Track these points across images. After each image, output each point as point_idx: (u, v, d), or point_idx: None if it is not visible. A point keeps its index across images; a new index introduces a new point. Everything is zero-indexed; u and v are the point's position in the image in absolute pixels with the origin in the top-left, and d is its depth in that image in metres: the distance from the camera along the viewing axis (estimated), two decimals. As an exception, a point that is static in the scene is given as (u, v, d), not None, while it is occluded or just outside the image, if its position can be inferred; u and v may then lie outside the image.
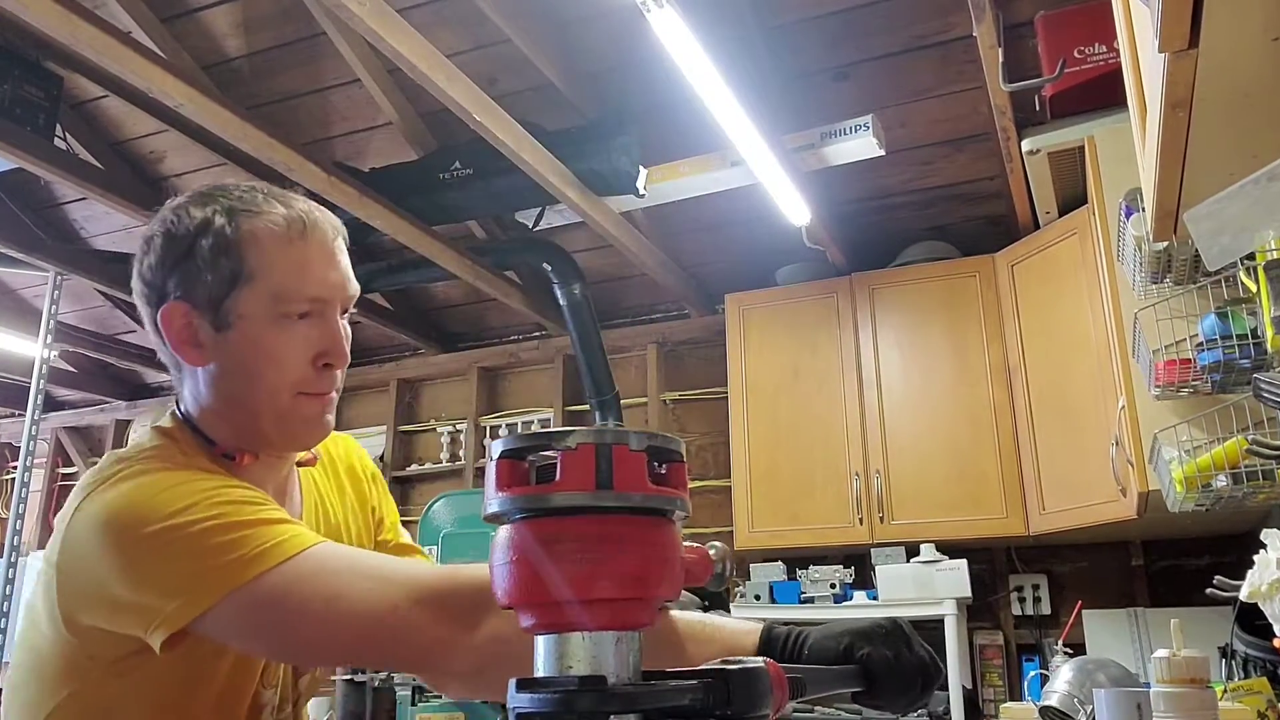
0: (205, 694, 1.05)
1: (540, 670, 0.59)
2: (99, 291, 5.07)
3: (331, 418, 1.14)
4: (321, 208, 1.15)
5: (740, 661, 0.64)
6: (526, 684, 0.57)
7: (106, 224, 4.90)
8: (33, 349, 4.73)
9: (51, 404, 6.10)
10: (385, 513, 1.37)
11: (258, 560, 0.94)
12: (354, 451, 1.37)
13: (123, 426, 6.04)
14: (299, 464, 1.22)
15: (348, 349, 1.13)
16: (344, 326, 1.13)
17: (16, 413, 5.74)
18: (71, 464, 6.27)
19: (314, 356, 1.09)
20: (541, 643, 0.60)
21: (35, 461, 4.84)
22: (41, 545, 6.00)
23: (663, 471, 0.62)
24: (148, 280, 1.11)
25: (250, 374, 1.08)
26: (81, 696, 1.03)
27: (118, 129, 4.37)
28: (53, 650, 1.03)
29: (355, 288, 1.15)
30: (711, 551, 0.71)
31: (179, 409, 1.17)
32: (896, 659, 0.91)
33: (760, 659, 0.65)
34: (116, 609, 0.97)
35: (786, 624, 0.99)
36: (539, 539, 0.59)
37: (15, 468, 4.66)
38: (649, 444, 0.60)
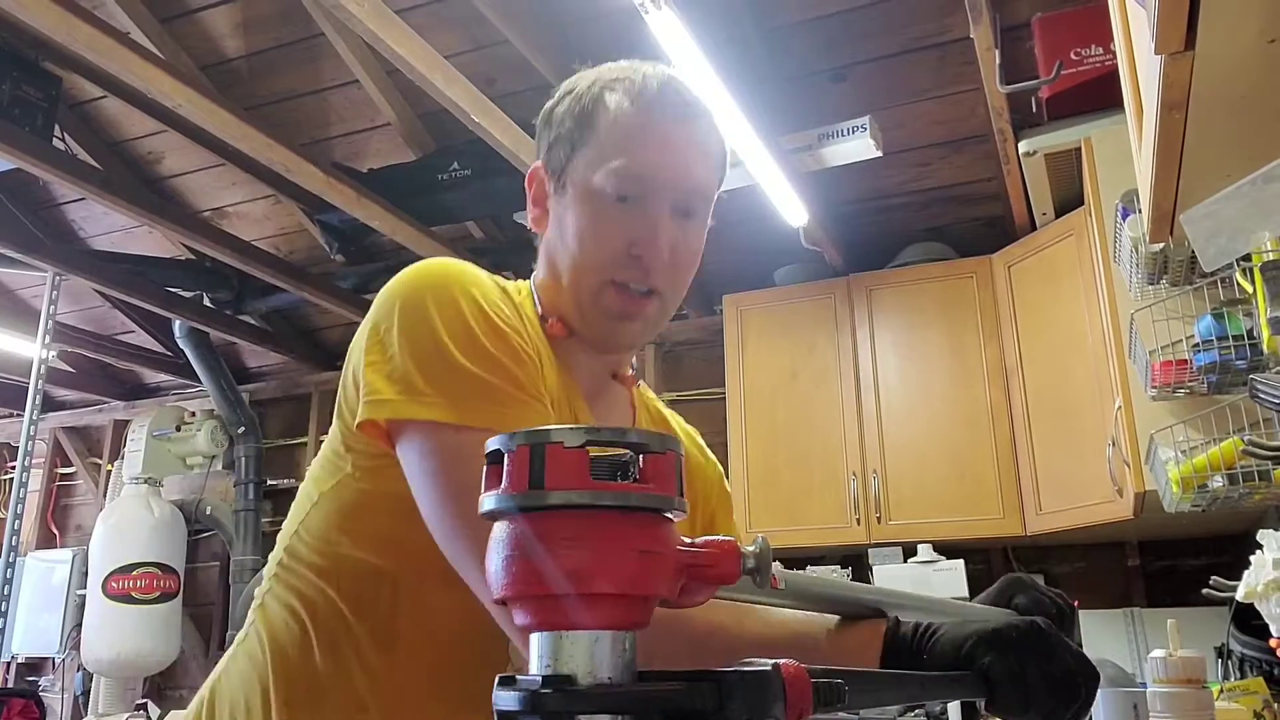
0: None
1: (532, 668, 0.60)
2: (97, 292, 5.07)
3: (641, 326, 1.07)
4: (696, 94, 1.07)
5: (749, 663, 0.63)
6: (506, 681, 0.58)
7: (105, 224, 4.90)
8: (31, 349, 4.73)
9: (50, 404, 6.09)
10: (719, 516, 1.27)
11: (465, 413, 0.89)
12: (698, 438, 1.30)
13: (121, 426, 6.04)
14: (616, 376, 1.15)
15: (678, 254, 1.04)
16: (684, 229, 1.04)
17: (15, 413, 5.74)
18: (70, 464, 6.26)
19: (628, 244, 1.02)
20: (536, 640, 0.60)
21: (33, 461, 4.83)
22: (40, 545, 6.00)
23: (641, 467, 0.61)
24: (535, 144, 1.13)
25: (567, 244, 1.05)
26: (337, 493, 1.03)
27: (116, 129, 4.37)
28: (330, 442, 1.04)
29: (697, 182, 1.05)
30: (751, 547, 0.65)
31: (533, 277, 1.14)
32: (1024, 671, 0.77)
33: (768, 661, 0.64)
34: (355, 374, 0.96)
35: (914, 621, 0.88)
36: (504, 538, 0.59)
37: (14, 468, 4.66)
38: (588, 439, 0.60)
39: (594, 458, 0.60)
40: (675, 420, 1.28)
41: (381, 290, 0.99)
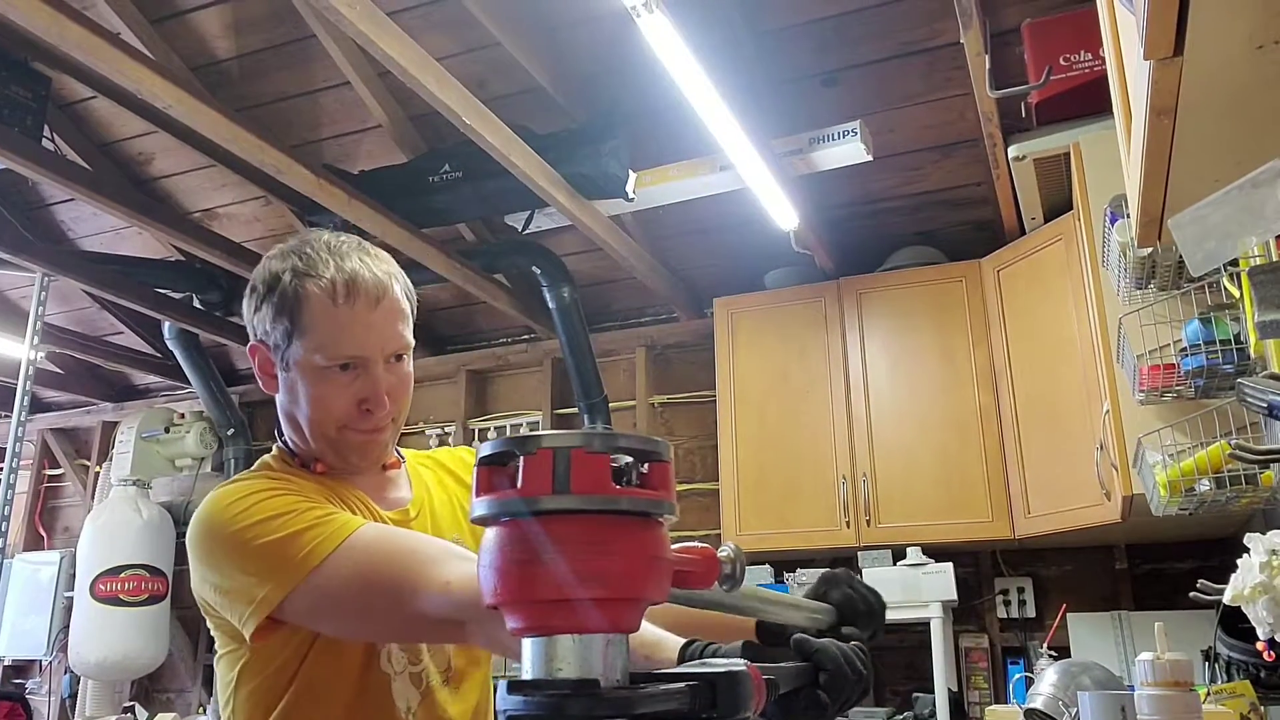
0: (339, 666, 1.24)
1: (528, 673, 0.60)
2: (86, 293, 5.05)
3: (384, 441, 1.34)
4: (380, 265, 1.30)
5: (724, 664, 0.64)
6: (517, 686, 0.58)
7: (94, 225, 4.89)
8: (19, 350, 4.70)
9: (38, 405, 6.06)
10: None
11: (311, 557, 1.12)
12: (459, 453, 1.56)
13: (109, 428, 6.01)
14: (385, 467, 1.40)
15: (396, 393, 1.30)
16: (396, 371, 1.30)
17: (3, 414, 5.71)
18: (58, 465, 6.24)
19: (357, 402, 1.27)
20: (528, 644, 0.60)
21: (21, 463, 4.81)
22: (27, 547, 5.97)
23: (644, 472, 0.62)
24: (246, 320, 1.33)
25: (303, 409, 1.29)
26: (243, 679, 1.25)
27: (106, 130, 4.36)
28: (218, 635, 1.28)
29: (400, 343, 1.30)
30: (722, 553, 0.70)
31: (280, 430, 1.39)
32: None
33: (741, 661, 0.66)
34: (218, 599, 1.19)
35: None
36: (507, 541, 0.59)
37: (1, 469, 4.64)
38: (615, 445, 0.60)
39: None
40: (449, 455, 1.54)
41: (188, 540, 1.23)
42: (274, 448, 1.37)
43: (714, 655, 0.99)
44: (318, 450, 1.32)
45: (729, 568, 0.68)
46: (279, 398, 1.33)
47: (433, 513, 1.41)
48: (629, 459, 0.61)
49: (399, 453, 1.46)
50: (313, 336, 1.25)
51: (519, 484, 0.58)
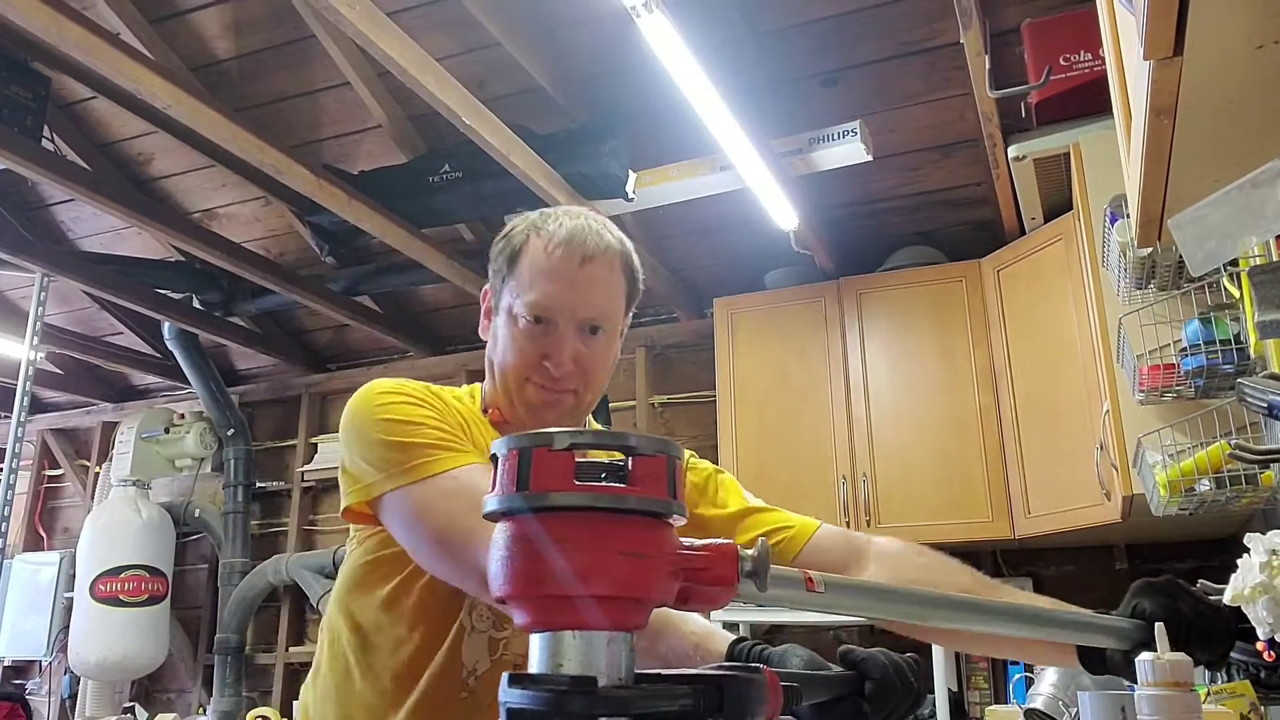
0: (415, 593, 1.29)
1: (533, 667, 0.60)
2: (86, 293, 5.05)
3: (558, 416, 1.34)
4: (608, 233, 1.35)
5: (737, 667, 0.64)
6: (518, 680, 0.58)
7: (94, 225, 4.88)
8: (19, 350, 4.70)
9: (38, 406, 6.06)
10: (722, 499, 1.52)
11: (411, 472, 1.17)
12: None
13: (109, 429, 6.01)
14: None
15: (585, 362, 1.32)
16: (589, 343, 1.32)
17: (2, 415, 5.71)
18: (58, 466, 6.23)
19: (540, 356, 1.30)
20: (533, 640, 0.60)
21: (21, 464, 4.81)
22: (27, 548, 5.97)
23: (631, 470, 0.61)
24: None
25: (499, 353, 1.34)
26: (350, 562, 1.36)
27: (106, 130, 4.36)
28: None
29: (596, 311, 1.31)
30: (750, 550, 0.67)
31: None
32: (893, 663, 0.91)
33: (757, 666, 0.65)
34: (341, 470, 1.27)
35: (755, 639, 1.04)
36: (513, 536, 0.59)
37: (1, 470, 4.64)
38: (624, 444, 0.60)
39: (588, 462, 0.60)
40: None
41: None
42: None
43: (761, 656, 0.97)
44: (501, 399, 1.35)
45: (749, 565, 0.66)
46: (488, 340, 1.38)
47: None
48: (635, 458, 0.61)
49: None
50: (519, 282, 1.31)
51: (527, 480, 0.59)
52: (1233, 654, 2.24)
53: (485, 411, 1.37)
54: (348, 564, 1.36)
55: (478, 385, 1.42)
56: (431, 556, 1.18)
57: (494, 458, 0.61)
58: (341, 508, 1.26)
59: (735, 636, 1.01)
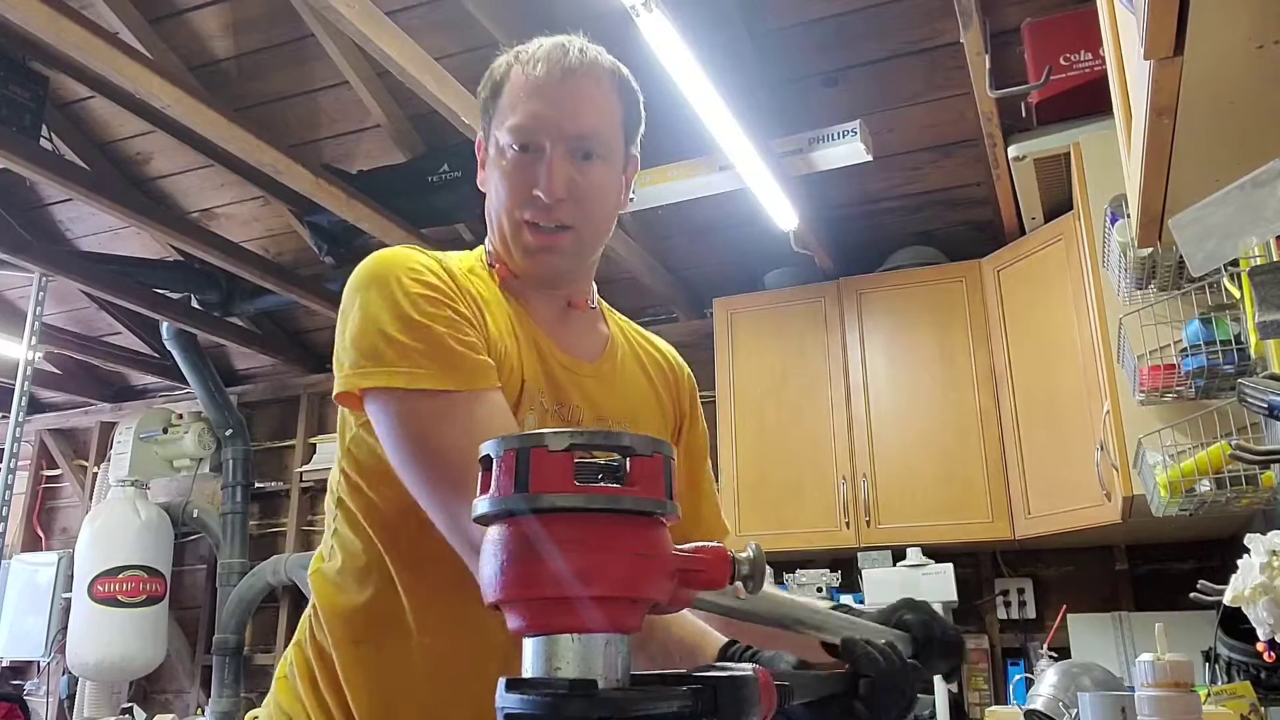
0: None
1: (528, 671, 0.59)
2: (84, 293, 5.04)
3: (560, 259, 1.21)
4: (590, 48, 1.26)
5: (728, 668, 0.63)
6: (515, 684, 0.57)
7: (92, 225, 4.88)
8: (17, 350, 4.70)
9: (35, 406, 6.06)
10: (693, 440, 1.39)
11: (410, 378, 1.04)
12: (673, 354, 1.45)
13: (107, 429, 6.00)
14: (571, 304, 1.28)
15: (578, 192, 1.17)
16: (582, 170, 1.17)
17: (1, 415, 5.71)
18: (56, 466, 6.23)
19: (529, 186, 1.17)
20: (527, 644, 0.60)
21: (19, 464, 4.81)
22: (25, 548, 5.96)
23: (627, 470, 0.61)
24: None
25: (492, 197, 1.23)
26: (352, 449, 1.19)
27: (104, 130, 4.35)
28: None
29: (586, 127, 1.17)
30: (742, 554, 0.66)
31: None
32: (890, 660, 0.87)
33: (749, 666, 0.65)
34: (337, 339, 1.13)
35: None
36: (505, 538, 0.59)
37: (-1, 470, 4.63)
38: (618, 444, 0.60)
39: (583, 462, 0.60)
40: (649, 339, 1.43)
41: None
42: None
43: (753, 659, 0.91)
44: (502, 250, 1.24)
45: (745, 568, 0.66)
46: (487, 197, 1.26)
47: (624, 380, 1.30)
48: (631, 458, 0.61)
49: (599, 300, 1.34)
50: (502, 111, 1.20)
51: (526, 481, 0.58)
52: (1233, 654, 2.24)
53: (491, 266, 1.25)
54: (352, 452, 1.19)
55: (481, 249, 1.30)
56: (418, 489, 1.04)
57: (486, 459, 0.61)
58: (334, 391, 1.11)
59: (727, 640, 0.94)
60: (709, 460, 1.43)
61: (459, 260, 1.23)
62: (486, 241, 1.29)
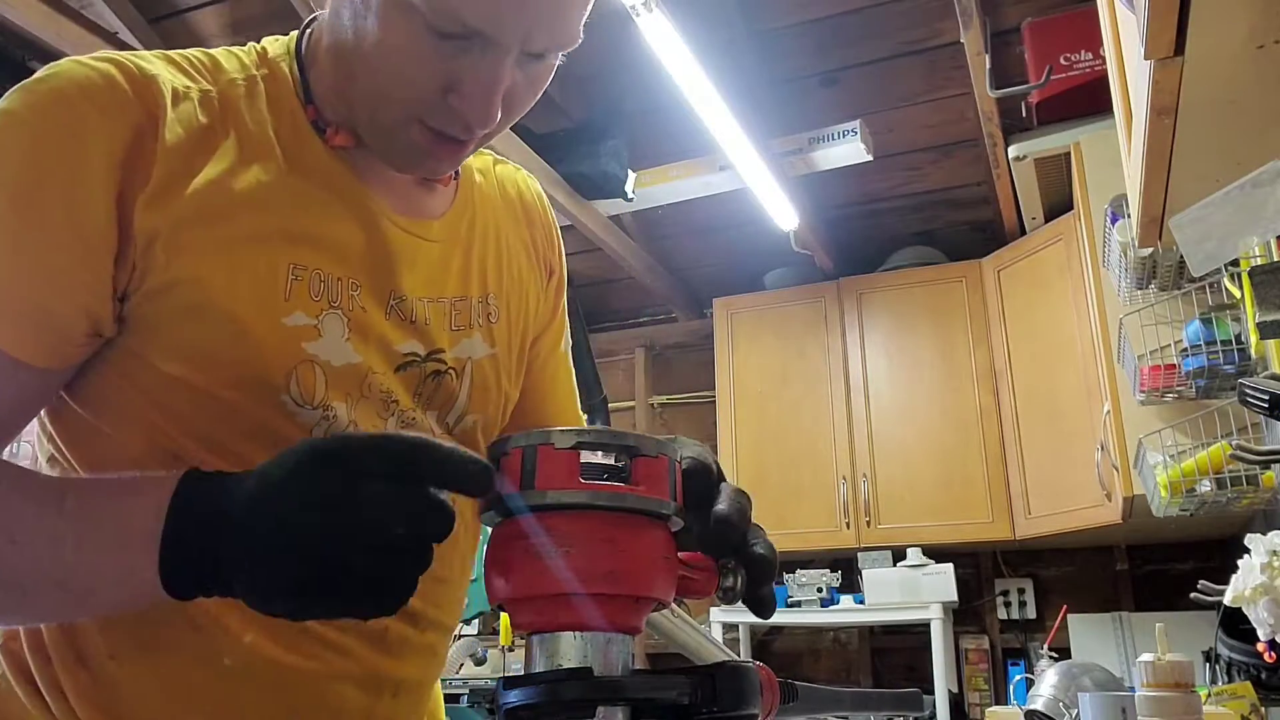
0: None
1: (528, 667, 0.60)
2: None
3: (451, 165, 0.86)
4: None
5: (731, 660, 0.64)
6: (513, 681, 0.58)
7: (92, 225, 4.88)
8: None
9: (36, 406, 6.05)
10: (556, 303, 1.05)
11: None
12: (525, 181, 1.05)
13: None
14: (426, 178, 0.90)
15: (515, 103, 0.80)
16: (529, 70, 0.79)
17: None
18: (56, 466, 6.23)
19: (443, 90, 0.76)
20: (530, 642, 0.60)
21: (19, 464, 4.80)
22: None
23: (628, 469, 0.61)
24: None
25: (365, 63, 0.79)
26: None
27: (104, 130, 4.35)
28: None
29: (560, 36, 0.77)
30: (728, 563, 0.66)
31: (304, 38, 0.92)
32: None
33: (748, 660, 0.65)
34: None
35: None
36: (509, 536, 0.59)
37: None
38: (623, 444, 0.60)
39: (587, 463, 0.60)
40: (511, 169, 1.05)
41: None
42: (277, 48, 0.94)
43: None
44: (361, 125, 0.83)
45: (730, 579, 0.66)
46: (335, 23, 0.84)
47: (466, 244, 0.92)
48: (632, 458, 0.61)
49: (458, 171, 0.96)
50: None
51: (532, 479, 0.58)
52: (1233, 655, 2.24)
53: (321, 130, 0.85)
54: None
55: (285, 55, 0.93)
56: None
57: (492, 457, 0.61)
58: None
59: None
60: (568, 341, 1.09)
61: (236, 62, 0.90)
62: (314, 81, 0.89)
